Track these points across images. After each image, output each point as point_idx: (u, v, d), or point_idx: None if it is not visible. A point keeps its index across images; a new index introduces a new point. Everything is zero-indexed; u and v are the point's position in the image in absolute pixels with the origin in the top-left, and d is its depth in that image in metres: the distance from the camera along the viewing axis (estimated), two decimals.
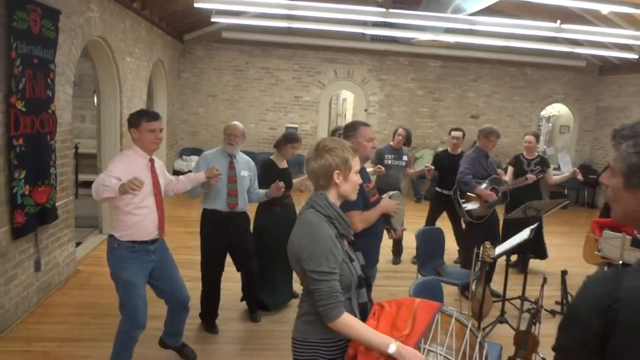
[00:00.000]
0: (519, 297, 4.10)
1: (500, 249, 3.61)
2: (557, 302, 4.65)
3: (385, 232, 2.98)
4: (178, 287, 3.21)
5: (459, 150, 5.71)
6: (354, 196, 1.91)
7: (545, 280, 3.41)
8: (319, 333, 1.84)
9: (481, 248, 3.28)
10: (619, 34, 6.86)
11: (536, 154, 5.61)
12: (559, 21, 6.38)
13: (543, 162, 5.43)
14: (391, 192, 2.87)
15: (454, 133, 5.80)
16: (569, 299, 4.37)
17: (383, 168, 5.11)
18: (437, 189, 5.76)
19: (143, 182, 2.64)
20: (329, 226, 1.81)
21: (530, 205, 4.33)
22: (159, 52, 8.01)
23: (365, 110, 10.23)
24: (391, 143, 5.63)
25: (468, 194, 4.70)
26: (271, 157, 4.23)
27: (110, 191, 2.66)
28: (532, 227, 3.84)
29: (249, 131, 9.80)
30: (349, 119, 11.36)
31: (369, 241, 2.76)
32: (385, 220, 2.86)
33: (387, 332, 1.72)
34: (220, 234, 3.81)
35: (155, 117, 3.01)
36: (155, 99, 8.66)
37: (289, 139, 4.16)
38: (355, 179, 1.89)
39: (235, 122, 3.88)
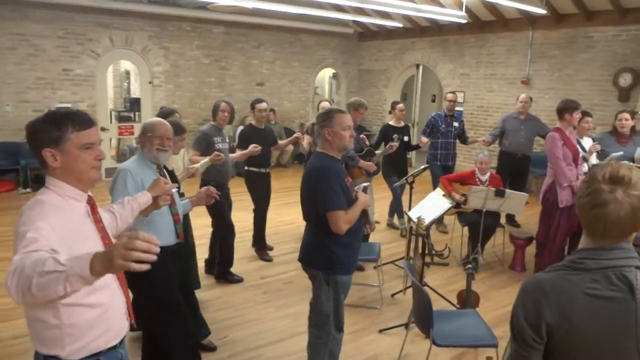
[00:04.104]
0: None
1: (426, 218, 4.08)
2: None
3: None
4: None
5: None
6: None
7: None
8: None
9: (416, 221, 3.73)
10: (378, 1, 7.88)
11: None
12: None
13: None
14: (363, 184, 2.91)
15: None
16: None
17: (259, 147, 4.85)
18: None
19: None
20: None
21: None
22: None
23: (150, 82, 9.69)
24: (213, 122, 4.88)
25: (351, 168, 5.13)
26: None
27: (76, 280, 1.36)
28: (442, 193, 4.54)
29: (4, 115, 8.31)
30: (134, 93, 10.54)
31: (355, 240, 2.83)
32: (363, 215, 2.85)
33: None
34: (172, 275, 2.90)
35: (89, 121, 1.81)
36: None
37: (178, 129, 3.65)
38: None
39: (161, 119, 3.05)
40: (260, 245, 5.59)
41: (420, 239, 3.92)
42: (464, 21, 9.33)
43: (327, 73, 13.51)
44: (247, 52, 10.85)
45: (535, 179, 9.01)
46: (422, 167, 5.46)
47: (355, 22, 11.59)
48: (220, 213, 4.66)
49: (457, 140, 6.88)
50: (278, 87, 11.54)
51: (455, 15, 9.01)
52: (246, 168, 5.45)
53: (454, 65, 10.46)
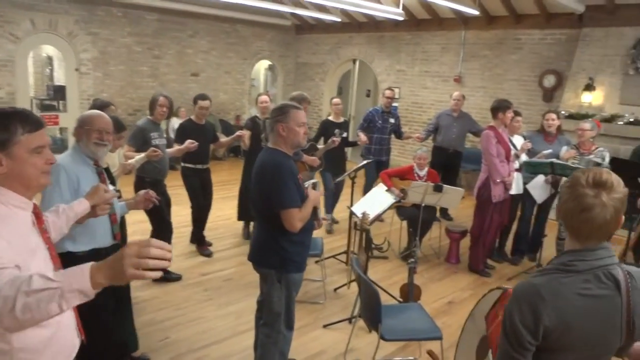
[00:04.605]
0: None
1: (370, 213, 4.09)
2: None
3: None
4: None
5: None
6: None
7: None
8: None
9: (360, 216, 3.73)
10: None
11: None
12: None
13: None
14: (312, 181, 2.89)
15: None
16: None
17: (195, 142, 4.68)
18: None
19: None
20: None
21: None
22: None
23: (77, 69, 9.14)
24: (150, 117, 4.64)
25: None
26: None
27: (74, 296, 1.26)
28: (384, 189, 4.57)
29: None
30: (58, 80, 9.91)
31: (307, 237, 2.82)
32: (312, 212, 2.82)
33: None
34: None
35: (39, 122, 1.64)
36: None
37: (118, 127, 3.40)
38: None
39: (99, 112, 2.83)
40: (200, 241, 5.48)
41: (364, 234, 3.98)
42: (401, 18, 9.53)
43: (262, 65, 13.38)
44: (181, 41, 10.51)
45: (465, 173, 9.39)
46: (364, 162, 5.53)
47: (292, 14, 11.54)
48: (157, 213, 4.47)
49: (392, 136, 7.04)
50: (213, 78, 11.28)
51: (392, 12, 9.19)
52: (182, 164, 5.30)
53: (390, 62, 10.67)
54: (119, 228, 2.83)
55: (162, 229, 4.64)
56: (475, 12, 8.43)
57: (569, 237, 1.51)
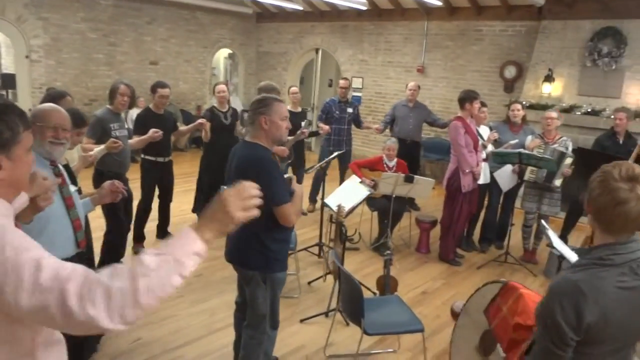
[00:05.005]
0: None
1: (345, 205, 4.01)
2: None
3: None
4: None
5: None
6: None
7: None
8: None
9: (336, 209, 3.66)
10: None
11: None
12: None
13: (235, 114, 5.80)
14: (286, 175, 2.83)
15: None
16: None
17: (159, 131, 4.52)
18: None
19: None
20: None
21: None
22: None
23: (27, 57, 8.66)
24: (109, 106, 4.39)
25: None
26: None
27: (190, 258, 1.24)
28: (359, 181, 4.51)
29: None
30: (6, 68, 9.36)
31: (290, 234, 2.75)
32: None
33: None
34: None
35: (27, 116, 1.46)
36: None
37: (77, 121, 3.09)
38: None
39: (55, 106, 2.51)
40: (138, 238, 5.17)
41: (339, 227, 3.94)
42: (364, 8, 9.51)
43: (222, 54, 13.08)
44: (138, 28, 10.12)
45: (429, 163, 9.51)
46: (335, 153, 5.50)
47: (254, 1, 11.31)
48: (113, 210, 4.23)
49: (353, 125, 7.00)
50: (173, 67, 10.95)
51: (355, 1, 9.15)
52: (142, 156, 5.07)
53: (353, 51, 10.63)
54: (84, 235, 2.54)
55: (115, 226, 4.39)
56: (438, 3, 8.49)
57: (599, 231, 1.52)
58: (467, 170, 5.05)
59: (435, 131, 8.95)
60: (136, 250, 5.11)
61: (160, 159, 5.07)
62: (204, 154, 5.75)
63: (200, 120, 5.32)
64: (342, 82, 6.84)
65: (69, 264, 1.19)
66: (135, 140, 4.65)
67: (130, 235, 4.84)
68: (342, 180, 6.76)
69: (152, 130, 4.53)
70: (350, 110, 6.82)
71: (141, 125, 4.79)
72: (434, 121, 7.16)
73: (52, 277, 1.13)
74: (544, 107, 7.37)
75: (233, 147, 2.85)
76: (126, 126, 4.59)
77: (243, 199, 1.27)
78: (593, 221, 1.52)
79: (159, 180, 5.19)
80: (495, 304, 2.20)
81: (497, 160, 5.25)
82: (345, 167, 6.79)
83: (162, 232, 5.41)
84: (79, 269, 1.17)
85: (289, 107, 6.13)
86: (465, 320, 2.54)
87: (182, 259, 1.20)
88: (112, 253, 4.34)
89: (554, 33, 7.74)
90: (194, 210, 5.94)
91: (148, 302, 1.16)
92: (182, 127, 5.59)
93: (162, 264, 1.18)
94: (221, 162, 5.68)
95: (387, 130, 7.30)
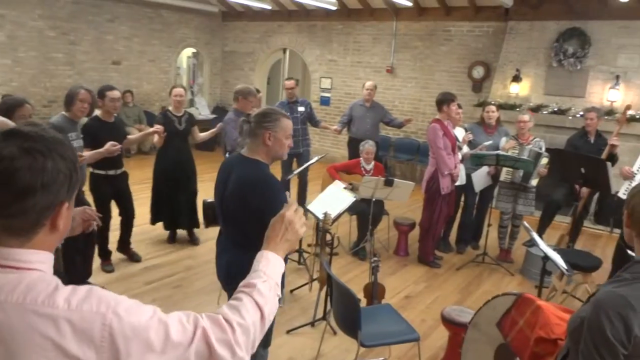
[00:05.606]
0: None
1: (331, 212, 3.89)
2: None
3: None
4: None
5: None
6: None
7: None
8: None
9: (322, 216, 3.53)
10: None
11: (183, 110, 5.33)
12: None
13: (191, 119, 5.36)
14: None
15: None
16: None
17: (118, 145, 4.10)
18: None
19: None
20: None
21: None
22: None
23: None
24: (66, 113, 4.02)
25: None
26: None
27: (279, 279, 1.31)
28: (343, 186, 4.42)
29: None
30: None
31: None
32: None
33: None
34: None
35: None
36: None
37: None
38: None
39: (4, 121, 2.33)
40: (104, 256, 4.76)
41: (325, 235, 3.86)
42: (333, 8, 9.44)
43: (186, 53, 12.76)
44: (100, 26, 9.72)
45: (399, 163, 9.54)
46: (316, 158, 5.40)
47: (219, 0, 11.07)
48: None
49: (309, 125, 6.73)
50: (136, 67, 10.59)
51: (324, 1, 9.06)
52: (90, 170, 4.46)
53: (322, 51, 10.54)
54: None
55: (71, 248, 3.75)
56: (407, 3, 8.50)
57: (638, 243, 1.50)
58: (445, 173, 5.05)
59: (405, 131, 8.98)
60: (104, 269, 4.70)
61: (112, 172, 4.54)
62: (157, 161, 5.33)
63: (155, 127, 4.88)
64: (287, 83, 6.55)
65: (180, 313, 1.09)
66: (88, 154, 4.01)
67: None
68: (302, 182, 6.63)
69: (109, 144, 4.03)
70: (301, 109, 6.54)
71: (90, 138, 4.22)
72: (390, 121, 7.09)
73: (181, 331, 1.03)
74: (512, 107, 7.49)
75: (224, 161, 2.66)
76: (81, 136, 4.13)
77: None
78: (635, 236, 1.49)
79: (114, 195, 4.67)
80: (510, 316, 2.17)
81: (476, 161, 5.28)
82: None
83: (123, 246, 4.97)
84: (192, 314, 1.09)
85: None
86: (475, 334, 2.49)
87: (278, 282, 1.27)
88: (70, 267, 3.82)
89: (520, 34, 7.87)
90: (153, 222, 5.43)
91: (265, 327, 1.19)
92: (131, 135, 5.08)
93: (271, 289, 1.23)
94: (174, 169, 5.47)
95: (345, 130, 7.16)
